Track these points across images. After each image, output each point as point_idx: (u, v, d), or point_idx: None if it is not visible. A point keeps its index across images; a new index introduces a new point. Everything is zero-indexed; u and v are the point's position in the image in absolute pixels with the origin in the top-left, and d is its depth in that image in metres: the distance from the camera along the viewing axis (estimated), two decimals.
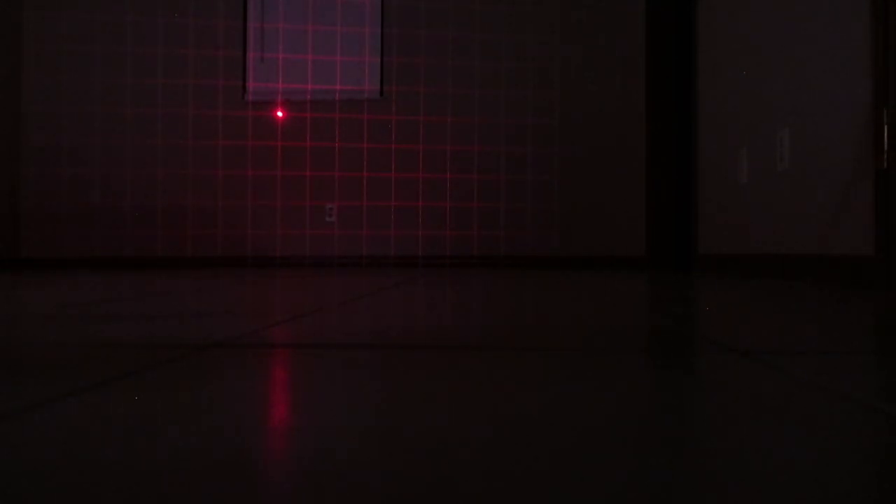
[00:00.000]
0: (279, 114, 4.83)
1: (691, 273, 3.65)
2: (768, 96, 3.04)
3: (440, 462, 0.41)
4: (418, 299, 1.71)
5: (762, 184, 3.10)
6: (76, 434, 0.47)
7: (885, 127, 2.12)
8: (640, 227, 4.62)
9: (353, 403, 0.57)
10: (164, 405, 0.56)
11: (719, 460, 0.41)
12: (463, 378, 0.67)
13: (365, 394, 0.60)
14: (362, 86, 4.81)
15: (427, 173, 4.75)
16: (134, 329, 1.08)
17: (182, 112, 4.89)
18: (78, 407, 0.55)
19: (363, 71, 4.82)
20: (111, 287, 2.25)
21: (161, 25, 4.91)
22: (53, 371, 0.71)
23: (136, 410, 0.54)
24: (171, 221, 4.88)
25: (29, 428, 0.49)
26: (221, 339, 0.96)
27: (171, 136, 4.89)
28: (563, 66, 4.69)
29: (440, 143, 4.74)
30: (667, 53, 4.26)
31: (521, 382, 0.65)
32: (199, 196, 4.87)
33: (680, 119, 4.25)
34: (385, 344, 0.91)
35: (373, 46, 4.82)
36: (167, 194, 4.88)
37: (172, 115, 4.89)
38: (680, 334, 1.01)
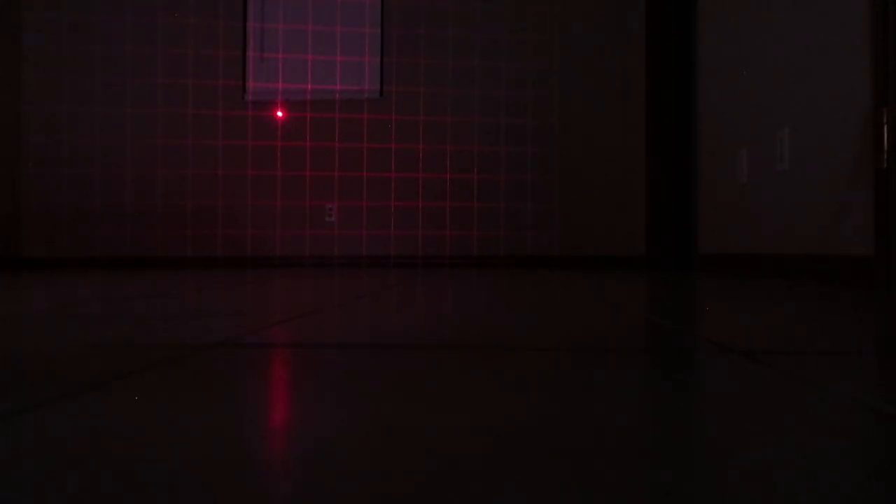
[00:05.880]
0: (279, 114, 4.83)
1: (691, 273, 3.65)
2: (768, 96, 3.04)
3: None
4: (417, 301, 1.71)
5: (762, 184, 3.10)
6: (73, 435, 0.47)
7: (885, 127, 2.12)
8: (640, 227, 4.62)
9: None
10: (167, 404, 0.56)
11: (718, 447, 0.41)
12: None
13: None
14: (362, 86, 4.81)
15: (427, 173, 4.75)
16: (134, 329, 1.08)
17: (182, 112, 4.89)
18: (76, 409, 0.55)
19: (363, 71, 4.82)
20: (111, 287, 2.25)
21: (161, 25, 4.91)
22: (53, 372, 0.71)
23: (137, 410, 0.54)
24: (171, 221, 4.88)
25: (26, 428, 0.49)
26: (223, 339, 0.96)
27: (171, 136, 4.89)
28: (562, 66, 4.69)
29: (440, 143, 4.74)
30: (667, 54, 4.26)
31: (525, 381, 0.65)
32: (199, 196, 4.87)
33: (680, 119, 4.26)
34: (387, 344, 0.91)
35: (373, 46, 4.82)
36: (167, 194, 4.88)
37: (172, 115, 4.89)
38: (681, 334, 1.01)
